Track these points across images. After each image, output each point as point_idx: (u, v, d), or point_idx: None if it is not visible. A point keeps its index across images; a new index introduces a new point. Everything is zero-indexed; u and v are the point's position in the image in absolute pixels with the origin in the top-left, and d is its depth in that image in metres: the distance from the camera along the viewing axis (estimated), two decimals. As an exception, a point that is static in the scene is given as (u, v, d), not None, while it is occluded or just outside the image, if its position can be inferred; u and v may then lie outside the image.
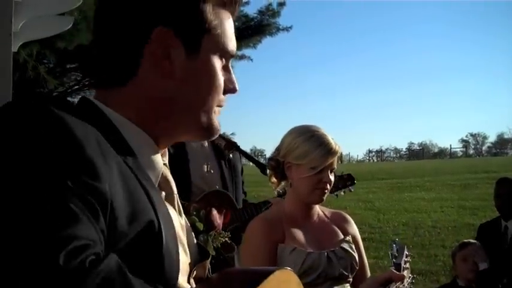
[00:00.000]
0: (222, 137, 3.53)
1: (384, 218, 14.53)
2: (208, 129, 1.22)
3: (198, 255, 1.27)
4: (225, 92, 1.23)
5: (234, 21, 1.26)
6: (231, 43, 1.23)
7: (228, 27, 1.22)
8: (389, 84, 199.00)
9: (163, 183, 1.21)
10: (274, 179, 2.73)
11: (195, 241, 1.29)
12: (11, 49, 2.30)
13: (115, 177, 0.95)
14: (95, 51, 1.20)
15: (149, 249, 1.00)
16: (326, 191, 2.59)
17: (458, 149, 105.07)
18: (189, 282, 1.19)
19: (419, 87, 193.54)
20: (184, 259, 1.17)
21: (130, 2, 1.14)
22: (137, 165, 1.08)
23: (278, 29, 15.69)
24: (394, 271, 2.01)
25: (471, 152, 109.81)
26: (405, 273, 2.04)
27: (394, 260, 2.05)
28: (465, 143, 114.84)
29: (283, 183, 2.72)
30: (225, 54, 1.22)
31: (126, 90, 1.15)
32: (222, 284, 1.19)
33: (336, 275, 2.50)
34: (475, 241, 4.70)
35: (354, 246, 2.65)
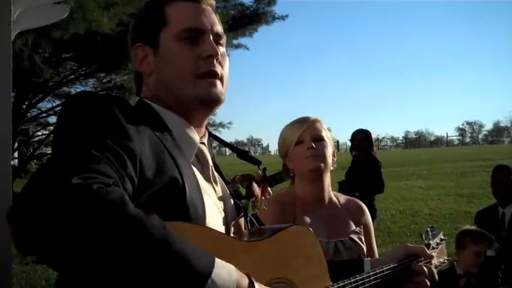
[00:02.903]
0: None
1: (381, 207, 14.54)
2: (200, 97, 1.49)
3: (235, 213, 1.55)
4: (206, 59, 1.49)
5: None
6: (188, 22, 1.50)
7: (182, 13, 1.52)
8: (385, 72, 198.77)
9: (201, 157, 1.53)
10: (289, 178, 2.73)
11: (232, 203, 1.57)
12: (10, 38, 2.27)
13: (146, 143, 1.27)
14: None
15: (174, 200, 1.27)
16: (316, 157, 2.59)
17: (454, 137, 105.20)
18: (228, 232, 1.46)
19: (415, 76, 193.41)
20: (218, 216, 1.46)
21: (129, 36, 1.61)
22: (172, 140, 1.41)
23: (274, 18, 15.61)
24: (425, 248, 2.05)
25: (467, 140, 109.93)
26: (434, 252, 2.10)
27: (425, 240, 2.13)
28: (461, 131, 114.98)
29: None
30: (184, 34, 1.49)
31: (144, 94, 1.56)
32: (253, 233, 1.53)
33: None
34: (486, 233, 4.64)
35: (363, 238, 2.63)
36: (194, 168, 1.44)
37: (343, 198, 2.78)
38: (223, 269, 1.12)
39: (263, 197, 1.63)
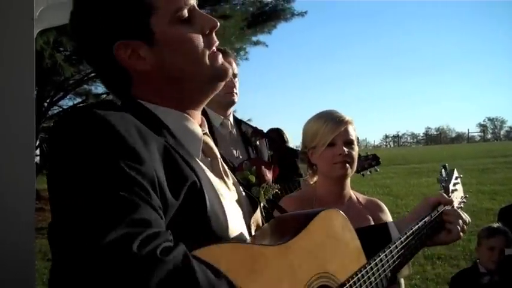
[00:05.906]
0: (249, 125, 3.64)
1: (401, 203, 14.44)
2: (215, 73, 1.39)
3: (250, 207, 1.48)
4: (209, 33, 1.39)
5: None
6: (177, 2, 1.35)
7: None
8: (405, 68, 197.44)
9: (207, 150, 1.42)
10: (309, 171, 2.79)
11: (244, 194, 1.48)
12: (33, 35, 2.28)
13: (156, 158, 1.14)
14: (99, 76, 1.46)
15: (195, 214, 1.17)
16: (346, 164, 2.61)
17: (476, 134, 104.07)
18: (249, 230, 1.41)
19: (436, 72, 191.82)
20: (238, 216, 1.37)
21: (93, 35, 1.35)
22: (176, 142, 1.28)
23: (293, 14, 15.56)
24: (444, 195, 2.05)
25: (489, 136, 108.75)
26: (454, 195, 2.11)
27: (443, 184, 2.12)
28: (483, 127, 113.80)
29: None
30: (176, 13, 1.34)
31: (135, 92, 1.38)
32: (275, 228, 1.43)
33: None
34: (503, 228, 4.61)
35: None
36: (204, 168, 1.35)
37: (362, 198, 2.82)
38: None
39: (273, 179, 1.60)
